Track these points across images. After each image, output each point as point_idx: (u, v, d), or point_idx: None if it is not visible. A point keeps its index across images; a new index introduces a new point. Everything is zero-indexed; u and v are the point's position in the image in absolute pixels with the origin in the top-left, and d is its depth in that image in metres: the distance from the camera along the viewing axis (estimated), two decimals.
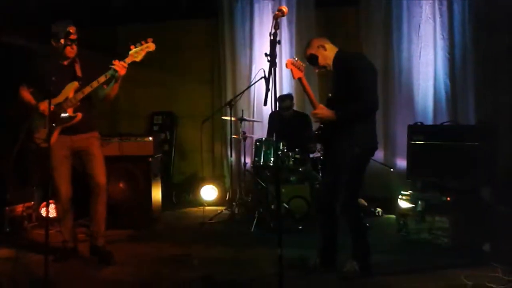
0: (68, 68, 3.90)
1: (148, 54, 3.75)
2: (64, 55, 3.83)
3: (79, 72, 3.90)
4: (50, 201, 4.24)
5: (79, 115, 3.86)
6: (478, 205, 4.39)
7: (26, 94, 3.95)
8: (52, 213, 4.39)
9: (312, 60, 3.67)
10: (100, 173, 4.01)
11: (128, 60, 3.72)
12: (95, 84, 3.76)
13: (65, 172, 3.97)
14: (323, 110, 3.52)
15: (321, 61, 3.64)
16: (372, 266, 3.52)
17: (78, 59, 3.94)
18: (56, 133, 3.82)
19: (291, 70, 3.56)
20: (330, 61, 3.63)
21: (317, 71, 3.77)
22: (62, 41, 3.68)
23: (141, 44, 3.74)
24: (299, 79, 3.58)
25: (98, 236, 4.08)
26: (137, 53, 3.73)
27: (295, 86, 6.50)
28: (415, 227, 4.58)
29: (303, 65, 3.60)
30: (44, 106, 3.74)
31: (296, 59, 3.59)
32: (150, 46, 3.77)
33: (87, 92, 3.80)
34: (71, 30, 3.71)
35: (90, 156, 4.00)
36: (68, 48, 3.77)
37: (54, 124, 3.75)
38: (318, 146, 5.34)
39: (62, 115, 3.81)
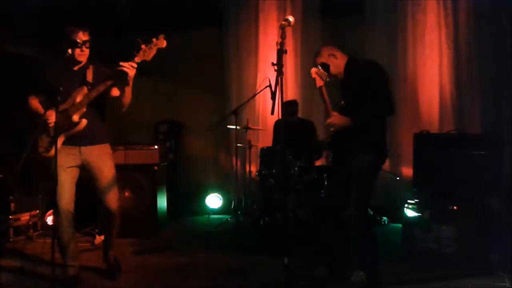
0: (78, 73, 3.70)
1: (155, 61, 3.52)
2: (74, 59, 3.64)
3: (89, 77, 3.66)
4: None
5: (84, 122, 3.60)
6: (485, 214, 4.36)
7: (35, 103, 3.75)
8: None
9: (323, 69, 3.66)
10: (111, 198, 3.80)
11: (138, 59, 3.47)
12: (101, 87, 3.54)
13: (67, 185, 3.63)
14: (338, 118, 3.51)
15: (332, 69, 3.62)
16: (380, 276, 3.48)
17: (92, 65, 3.75)
18: (60, 141, 3.54)
19: (315, 78, 3.57)
20: (341, 70, 3.62)
21: (328, 79, 3.76)
22: (75, 43, 3.56)
23: (151, 42, 3.49)
24: (320, 87, 3.58)
25: (109, 249, 4.04)
26: (147, 51, 3.48)
27: (301, 95, 6.54)
28: (422, 236, 4.55)
29: (326, 74, 3.59)
30: (48, 114, 3.58)
31: (320, 68, 3.59)
32: (160, 43, 3.52)
33: (93, 96, 3.56)
34: (81, 33, 3.58)
35: (98, 176, 3.75)
36: (78, 50, 3.59)
37: (57, 133, 3.47)
38: (325, 154, 5.33)
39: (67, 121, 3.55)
